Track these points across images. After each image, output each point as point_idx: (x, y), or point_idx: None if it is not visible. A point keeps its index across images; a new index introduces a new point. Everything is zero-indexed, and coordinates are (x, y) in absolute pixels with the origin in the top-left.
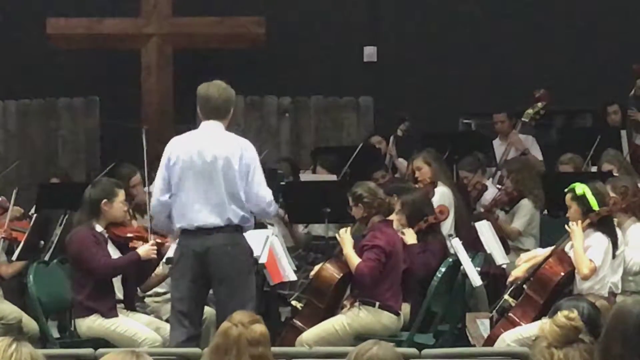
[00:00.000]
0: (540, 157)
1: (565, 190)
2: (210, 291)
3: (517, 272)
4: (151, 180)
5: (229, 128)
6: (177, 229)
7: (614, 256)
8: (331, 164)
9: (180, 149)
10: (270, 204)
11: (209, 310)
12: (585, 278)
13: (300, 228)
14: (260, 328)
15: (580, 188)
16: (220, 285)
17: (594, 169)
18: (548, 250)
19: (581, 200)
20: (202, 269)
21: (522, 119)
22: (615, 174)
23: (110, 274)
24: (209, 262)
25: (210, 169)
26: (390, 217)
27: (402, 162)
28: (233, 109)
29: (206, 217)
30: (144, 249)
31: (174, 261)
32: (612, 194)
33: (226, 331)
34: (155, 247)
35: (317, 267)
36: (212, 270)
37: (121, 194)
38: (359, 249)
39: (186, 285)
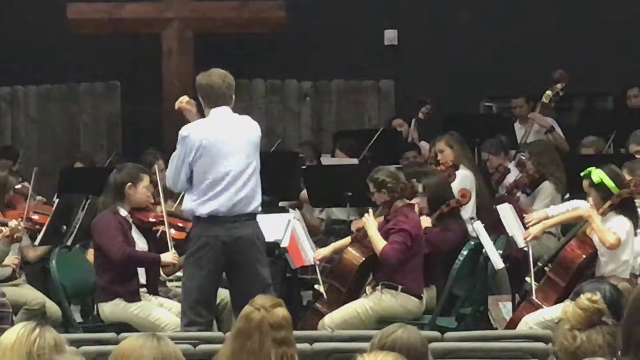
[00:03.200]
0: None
1: (582, 174)
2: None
3: (534, 230)
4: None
5: (251, 112)
6: (198, 215)
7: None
8: (350, 147)
9: (200, 138)
10: None
11: (226, 293)
12: (612, 247)
13: (316, 212)
14: (282, 312)
15: (597, 175)
16: (242, 273)
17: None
18: (559, 208)
19: (600, 186)
20: (226, 259)
21: (542, 100)
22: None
23: (126, 262)
24: (237, 251)
25: (234, 156)
26: (413, 201)
27: (424, 146)
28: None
29: (234, 205)
30: (167, 256)
31: (194, 249)
32: (628, 177)
33: (248, 315)
34: (177, 256)
35: (333, 244)
36: (239, 259)
37: (146, 179)
38: (384, 233)
39: (208, 275)
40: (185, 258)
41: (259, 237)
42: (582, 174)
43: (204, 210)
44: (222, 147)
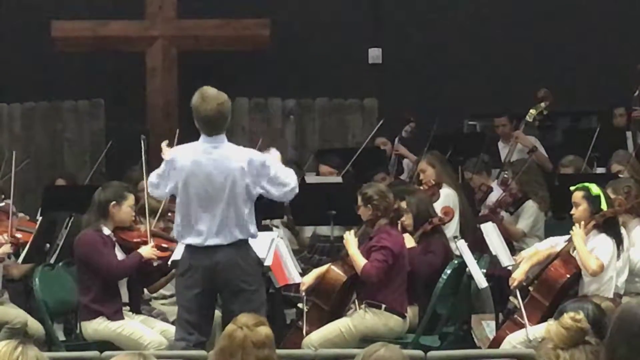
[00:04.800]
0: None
1: (574, 187)
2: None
3: (518, 275)
4: None
5: (234, 130)
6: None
7: (618, 257)
8: (334, 161)
9: (185, 164)
10: (293, 190)
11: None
12: (595, 274)
13: (306, 232)
14: (265, 330)
15: (597, 188)
16: (231, 297)
17: (599, 170)
18: (547, 244)
19: (595, 200)
20: (211, 282)
21: (526, 119)
22: (623, 175)
23: (120, 275)
24: (219, 275)
25: (215, 190)
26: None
27: (407, 164)
28: (230, 116)
29: (212, 238)
30: (146, 250)
31: (180, 271)
32: (612, 196)
33: (231, 334)
34: (155, 249)
35: (315, 270)
36: (222, 282)
37: (131, 198)
38: (366, 251)
39: (194, 298)
40: (176, 278)
41: (244, 259)
42: (575, 187)
43: (182, 240)
44: (198, 184)
